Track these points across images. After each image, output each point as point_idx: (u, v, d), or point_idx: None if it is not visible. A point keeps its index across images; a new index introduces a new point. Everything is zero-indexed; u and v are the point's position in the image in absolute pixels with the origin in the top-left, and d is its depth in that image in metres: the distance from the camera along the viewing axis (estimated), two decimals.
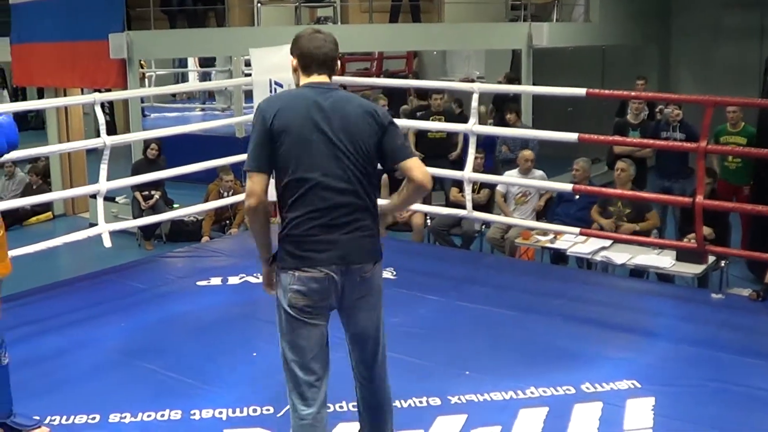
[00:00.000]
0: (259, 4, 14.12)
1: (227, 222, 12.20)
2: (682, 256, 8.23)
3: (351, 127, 4.09)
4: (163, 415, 5.33)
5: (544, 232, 9.29)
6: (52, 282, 8.32)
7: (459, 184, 10.05)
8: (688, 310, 7.28)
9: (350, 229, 4.08)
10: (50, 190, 14.21)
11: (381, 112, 4.24)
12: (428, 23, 15.10)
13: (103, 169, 8.11)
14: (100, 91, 12.77)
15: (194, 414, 5.34)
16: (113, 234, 8.19)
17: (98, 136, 8.23)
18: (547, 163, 11.15)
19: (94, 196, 8.51)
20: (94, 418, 5.28)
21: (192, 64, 27.39)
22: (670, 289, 8.33)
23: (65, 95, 14.76)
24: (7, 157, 6.84)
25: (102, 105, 8.29)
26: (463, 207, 8.96)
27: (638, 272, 8.74)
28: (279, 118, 4.05)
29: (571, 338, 6.57)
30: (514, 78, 15.00)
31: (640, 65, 17.02)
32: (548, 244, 9.23)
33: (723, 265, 8.67)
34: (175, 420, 5.29)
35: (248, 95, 16.59)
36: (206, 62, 26.59)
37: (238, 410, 5.38)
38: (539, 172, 10.34)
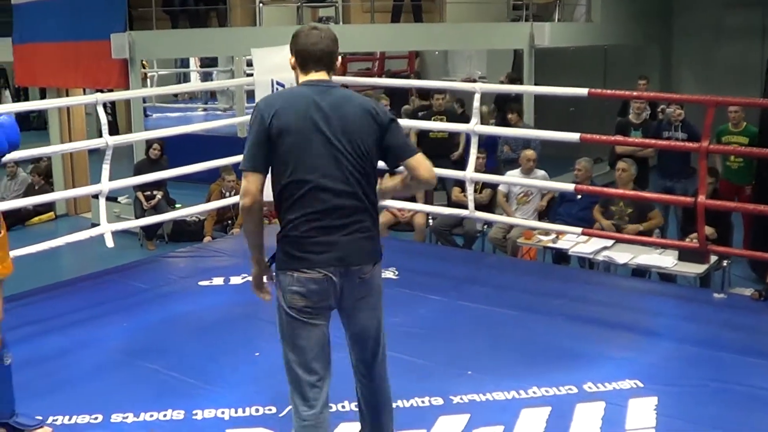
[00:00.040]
0: (260, 4, 14.14)
1: (229, 222, 12.20)
2: (684, 255, 8.23)
3: (350, 128, 4.06)
4: (165, 415, 5.33)
5: (546, 232, 9.29)
6: (54, 282, 8.33)
7: (461, 184, 10.05)
8: (690, 310, 7.28)
9: (349, 231, 4.06)
10: (52, 191, 14.21)
11: (381, 110, 4.21)
12: (430, 23, 15.10)
13: (105, 169, 8.11)
14: (102, 91, 12.80)
15: (196, 414, 5.34)
16: (115, 234, 8.18)
17: (100, 136, 8.23)
18: (549, 163, 11.15)
19: (96, 196, 8.51)
20: (96, 418, 5.29)
21: (194, 64, 27.42)
22: (672, 288, 8.33)
23: (67, 95, 14.77)
24: (9, 157, 6.84)
25: (104, 105, 8.29)
26: (465, 207, 8.95)
27: (640, 272, 8.74)
28: (278, 119, 4.02)
29: (573, 338, 6.57)
30: (515, 78, 15.00)
31: (641, 65, 17.02)
32: (550, 244, 9.22)
33: (725, 264, 8.68)
34: (177, 420, 5.29)
35: (250, 95, 16.59)
36: (208, 62, 26.61)
37: (240, 410, 5.38)
38: (541, 172, 10.34)
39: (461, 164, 10.40)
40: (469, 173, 8.76)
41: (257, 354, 6.16)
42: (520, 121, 12.26)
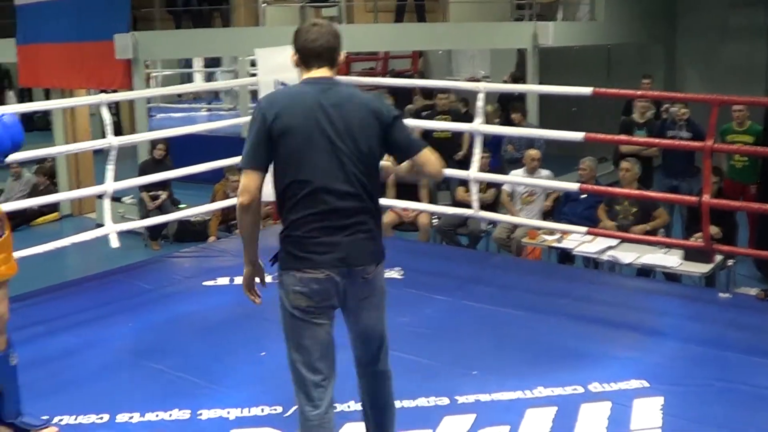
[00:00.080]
0: (264, 4, 14.14)
1: (234, 222, 12.19)
2: (690, 255, 8.23)
3: (354, 128, 4.04)
4: (170, 415, 5.33)
5: (551, 232, 9.28)
6: (59, 282, 8.33)
7: (465, 183, 10.04)
8: (696, 310, 7.28)
9: (351, 231, 4.04)
10: (57, 191, 14.24)
11: (385, 108, 4.20)
12: (433, 23, 15.13)
13: (110, 169, 8.12)
14: (106, 91, 12.80)
15: (202, 414, 5.35)
16: (120, 234, 8.20)
17: (104, 136, 8.25)
18: (554, 162, 11.15)
19: (100, 197, 8.52)
20: (102, 418, 5.29)
21: (197, 64, 27.43)
22: (678, 288, 8.32)
23: (71, 96, 14.78)
24: (13, 157, 6.87)
25: (108, 105, 8.30)
26: (470, 206, 8.95)
27: (645, 272, 8.74)
28: (280, 119, 4.00)
29: (579, 338, 6.57)
30: (519, 77, 15.00)
31: (646, 64, 16.99)
32: (555, 244, 9.22)
33: (730, 264, 8.65)
34: (183, 420, 5.29)
35: (254, 95, 16.59)
36: (211, 62, 26.62)
37: (245, 410, 5.38)
38: (546, 172, 10.33)
39: (465, 164, 10.38)
40: (473, 173, 8.75)
41: (263, 354, 6.16)
42: (524, 121, 12.25)
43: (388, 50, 19.42)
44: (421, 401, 5.43)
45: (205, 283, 8.00)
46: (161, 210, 12.42)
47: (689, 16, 18.18)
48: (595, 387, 5.61)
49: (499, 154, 12.08)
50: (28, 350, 5.46)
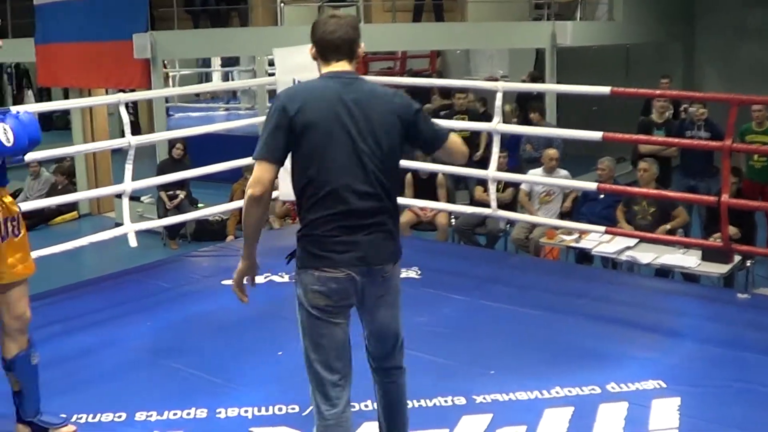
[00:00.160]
0: (282, 4, 14.15)
1: None
2: (708, 255, 8.20)
3: (375, 127, 4.00)
4: (189, 414, 5.34)
5: (569, 232, 9.27)
6: (77, 281, 8.36)
7: (483, 183, 10.04)
8: (714, 310, 7.25)
9: (371, 231, 4.01)
10: (75, 190, 14.27)
11: (406, 104, 4.15)
12: (451, 22, 15.10)
13: (128, 168, 8.14)
14: (124, 91, 12.84)
15: (220, 412, 5.35)
16: (138, 233, 8.22)
17: (123, 136, 8.27)
18: (572, 162, 11.14)
19: (119, 196, 8.54)
20: (120, 417, 5.30)
21: (215, 63, 27.51)
22: (696, 288, 8.30)
23: (90, 95, 14.83)
24: (32, 156, 6.91)
25: (126, 105, 8.32)
26: (488, 206, 8.95)
27: (663, 272, 8.71)
28: (303, 113, 3.94)
29: (596, 338, 6.55)
30: (537, 77, 14.97)
31: (664, 63, 16.96)
32: (573, 244, 9.20)
33: (749, 264, 8.63)
34: (201, 418, 5.30)
35: (272, 95, 16.62)
36: (229, 62, 26.67)
37: (263, 409, 5.39)
38: (564, 172, 10.31)
39: (483, 164, 10.38)
40: (492, 172, 8.75)
41: (280, 353, 6.16)
42: (542, 120, 12.24)
43: (406, 50, 19.42)
44: (439, 401, 5.42)
45: (223, 282, 7.99)
46: (179, 209, 12.44)
47: (708, 15, 18.13)
48: (612, 387, 5.60)
49: (517, 154, 12.05)
50: (46, 349, 5.47)
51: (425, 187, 10.54)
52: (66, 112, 19.83)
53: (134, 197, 9.89)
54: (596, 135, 8.07)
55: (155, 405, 5.42)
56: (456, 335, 6.63)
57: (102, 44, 13.84)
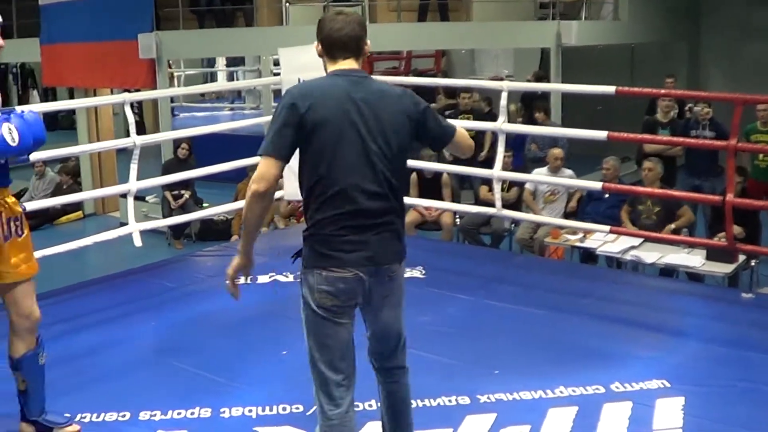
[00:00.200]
0: (287, 4, 14.17)
1: None
2: (713, 255, 8.19)
3: (385, 125, 3.99)
4: (193, 413, 5.34)
5: (574, 231, 9.27)
6: (82, 281, 8.36)
7: (488, 182, 10.04)
8: (719, 310, 7.24)
9: (379, 231, 4.00)
10: (80, 190, 14.30)
11: (413, 104, 4.13)
12: (456, 22, 15.12)
13: (133, 168, 8.14)
14: (129, 91, 12.86)
15: (224, 412, 5.35)
16: (143, 233, 8.23)
17: (128, 135, 8.28)
18: (577, 161, 11.13)
19: (124, 196, 8.55)
20: (124, 416, 5.30)
21: (220, 63, 27.51)
22: (700, 288, 8.30)
23: (95, 95, 14.85)
24: (37, 156, 6.91)
25: (131, 105, 8.33)
26: (493, 205, 8.94)
27: (668, 271, 8.71)
28: (314, 111, 3.90)
29: (601, 337, 6.55)
30: (543, 76, 14.97)
31: (669, 62, 16.96)
32: (577, 243, 9.20)
33: (753, 264, 8.62)
34: (205, 418, 5.30)
35: (277, 95, 16.63)
36: (234, 62, 26.68)
37: (267, 408, 5.38)
38: (569, 171, 10.30)
39: (488, 163, 10.39)
40: (497, 172, 8.75)
41: (284, 352, 6.15)
42: (547, 120, 12.22)
43: (411, 49, 19.42)
44: (443, 400, 5.41)
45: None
46: (184, 209, 12.46)
47: (713, 14, 18.14)
48: (617, 387, 5.59)
49: (522, 154, 12.05)
50: (50, 348, 5.46)
51: (430, 186, 10.54)
52: (71, 112, 19.88)
53: (139, 197, 9.87)
54: (601, 134, 8.07)
55: (159, 404, 5.42)
56: (460, 335, 6.62)
57: (107, 44, 13.87)
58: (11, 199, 4.81)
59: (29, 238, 4.93)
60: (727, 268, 8.12)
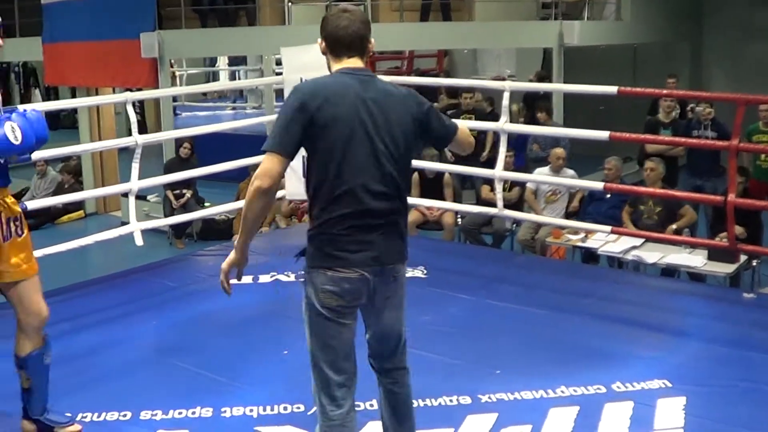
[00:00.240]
0: (290, 3, 14.15)
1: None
2: (714, 255, 8.19)
3: (392, 126, 3.98)
4: (194, 413, 5.34)
5: (575, 231, 9.26)
6: (84, 280, 8.36)
7: (490, 182, 10.04)
8: (720, 310, 7.24)
9: (384, 231, 3.99)
10: (82, 189, 14.28)
11: (417, 104, 4.13)
12: (459, 22, 15.10)
13: (135, 167, 8.15)
14: (131, 90, 12.85)
15: (225, 411, 5.35)
16: (145, 232, 8.23)
17: (130, 134, 8.28)
18: (579, 161, 11.13)
19: (125, 195, 8.55)
20: (125, 416, 5.30)
21: (222, 63, 27.51)
22: (702, 288, 8.30)
23: (97, 94, 14.86)
24: (39, 155, 6.90)
25: (133, 104, 8.33)
26: (494, 205, 8.94)
27: (669, 271, 8.71)
28: (325, 109, 3.87)
29: (602, 337, 6.55)
30: (545, 76, 14.96)
31: (671, 62, 16.96)
32: (579, 243, 9.20)
33: (755, 264, 8.62)
34: (206, 417, 5.30)
35: (279, 94, 16.62)
36: (236, 61, 26.68)
37: (269, 408, 5.38)
38: (570, 171, 10.30)
39: (490, 163, 10.39)
40: (498, 171, 8.75)
41: (286, 352, 6.16)
42: (549, 120, 12.23)
43: (413, 49, 19.41)
44: (444, 400, 5.41)
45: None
46: (186, 208, 12.45)
47: (715, 14, 18.13)
48: (618, 387, 5.59)
49: (524, 154, 12.06)
50: (52, 347, 5.48)
51: (432, 186, 10.53)
52: (73, 111, 19.88)
53: (141, 196, 9.88)
54: (603, 134, 8.07)
55: (160, 404, 5.42)
56: (462, 334, 6.62)
57: (109, 43, 13.86)
58: (11, 199, 4.81)
59: (29, 238, 4.93)
60: (728, 268, 8.12)
